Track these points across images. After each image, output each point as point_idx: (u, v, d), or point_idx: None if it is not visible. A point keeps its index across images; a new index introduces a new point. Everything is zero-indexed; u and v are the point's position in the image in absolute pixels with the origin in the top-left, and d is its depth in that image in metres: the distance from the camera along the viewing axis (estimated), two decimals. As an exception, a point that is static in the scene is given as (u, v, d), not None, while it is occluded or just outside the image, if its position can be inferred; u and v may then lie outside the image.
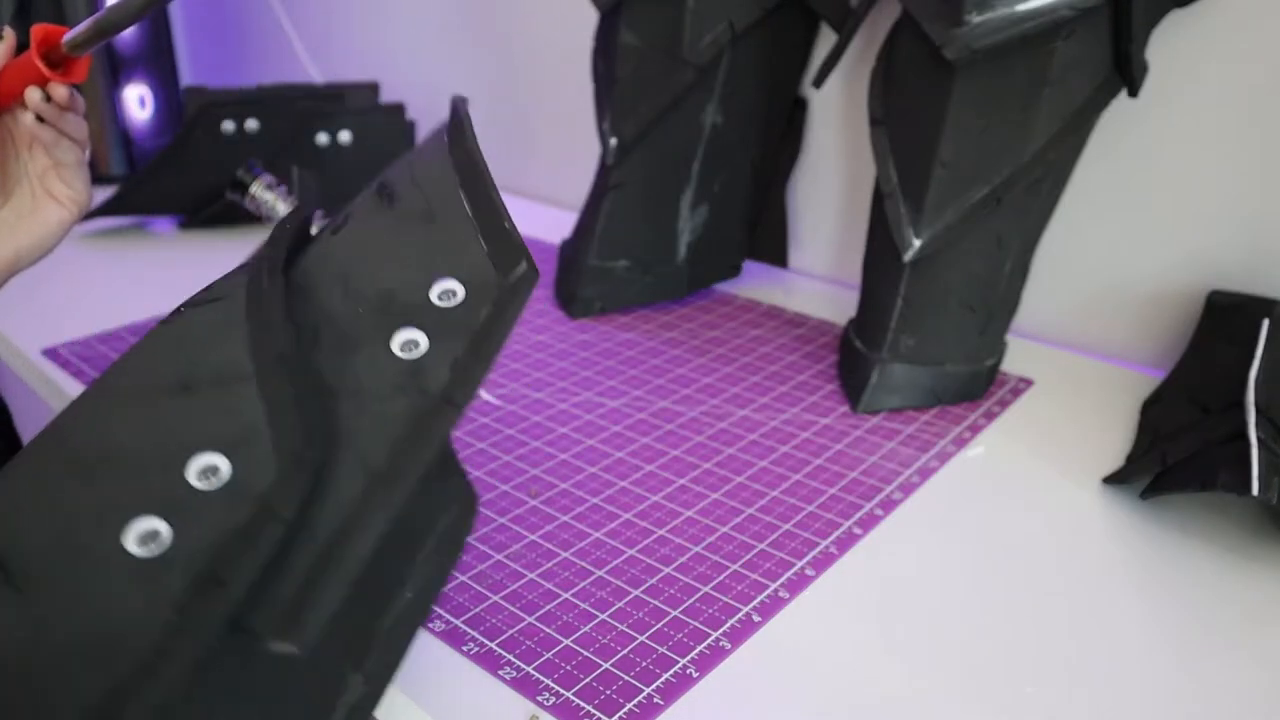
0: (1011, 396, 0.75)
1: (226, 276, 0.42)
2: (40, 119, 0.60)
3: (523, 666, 0.48)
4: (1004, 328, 0.76)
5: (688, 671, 0.47)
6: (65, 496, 0.32)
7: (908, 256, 0.70)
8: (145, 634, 0.29)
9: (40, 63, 0.56)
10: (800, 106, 0.95)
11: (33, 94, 0.58)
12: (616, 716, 0.45)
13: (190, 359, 0.36)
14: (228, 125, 1.12)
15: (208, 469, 0.33)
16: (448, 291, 0.39)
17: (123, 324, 0.88)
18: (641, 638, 0.50)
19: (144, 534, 0.31)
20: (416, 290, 0.39)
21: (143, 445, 0.33)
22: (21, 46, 0.60)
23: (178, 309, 0.40)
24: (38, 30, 0.56)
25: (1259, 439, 0.55)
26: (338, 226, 0.43)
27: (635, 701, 0.45)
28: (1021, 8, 0.63)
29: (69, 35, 0.57)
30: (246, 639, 0.31)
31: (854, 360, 0.75)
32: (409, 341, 0.38)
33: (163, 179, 1.13)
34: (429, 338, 0.38)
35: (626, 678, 0.47)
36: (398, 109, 1.17)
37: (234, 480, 0.33)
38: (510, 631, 0.50)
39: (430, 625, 0.50)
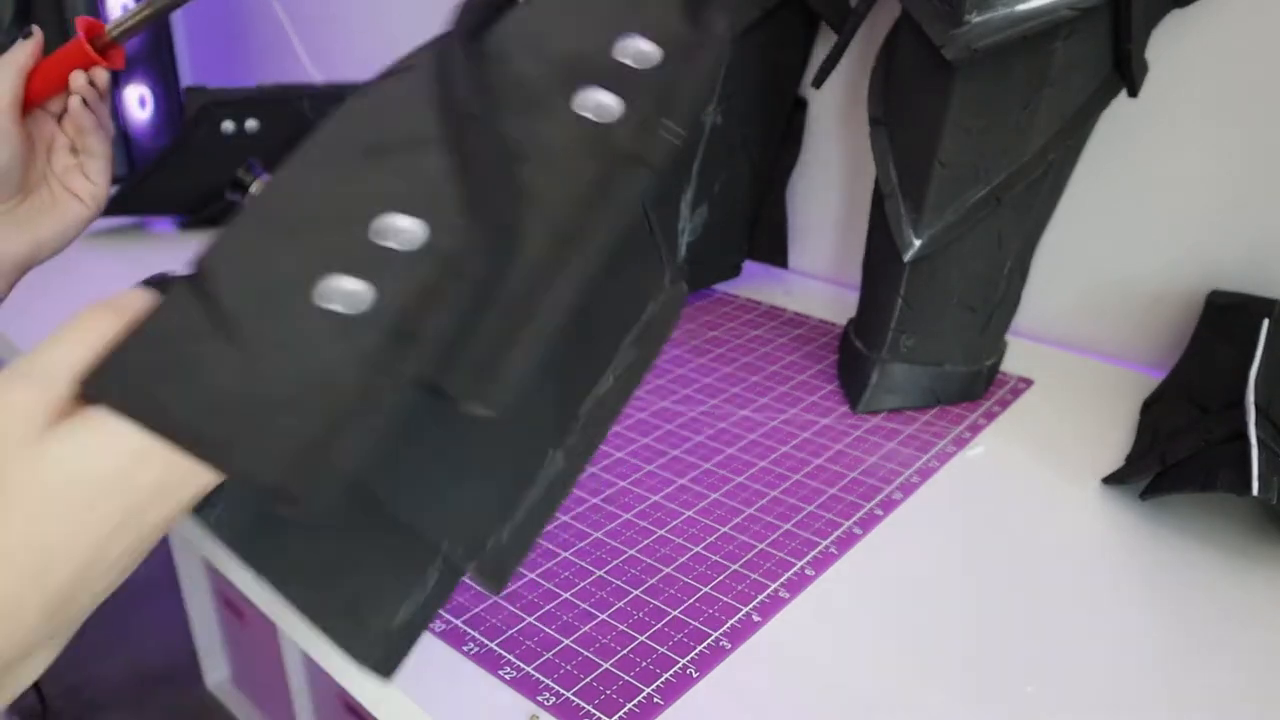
0: (1011, 396, 0.75)
1: (421, 47, 0.39)
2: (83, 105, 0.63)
3: (523, 666, 0.48)
4: (1004, 328, 0.76)
5: (688, 671, 0.47)
6: (267, 255, 0.32)
7: (908, 256, 0.70)
8: (346, 385, 0.30)
9: (89, 48, 0.60)
10: (800, 106, 0.95)
11: (78, 78, 0.61)
12: (616, 716, 0.45)
13: (379, 125, 0.35)
14: (228, 125, 1.12)
15: (397, 229, 0.32)
16: (641, 53, 0.37)
17: (123, 324, 0.88)
18: (641, 638, 0.50)
19: (339, 292, 0.31)
20: (604, 49, 0.37)
21: (334, 206, 0.33)
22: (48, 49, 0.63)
23: (371, 81, 0.38)
24: (83, 21, 0.60)
25: (1259, 439, 0.55)
26: None
27: (635, 701, 0.45)
28: (1021, 8, 0.63)
29: (115, 22, 0.61)
30: (445, 405, 0.31)
31: (854, 360, 0.75)
32: (599, 105, 0.36)
33: (163, 179, 1.13)
34: (622, 101, 0.36)
35: (626, 678, 0.47)
36: (398, 109, 1.17)
37: (425, 242, 0.32)
38: (510, 631, 0.50)
39: (430, 625, 0.50)
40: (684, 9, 0.38)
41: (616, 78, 0.36)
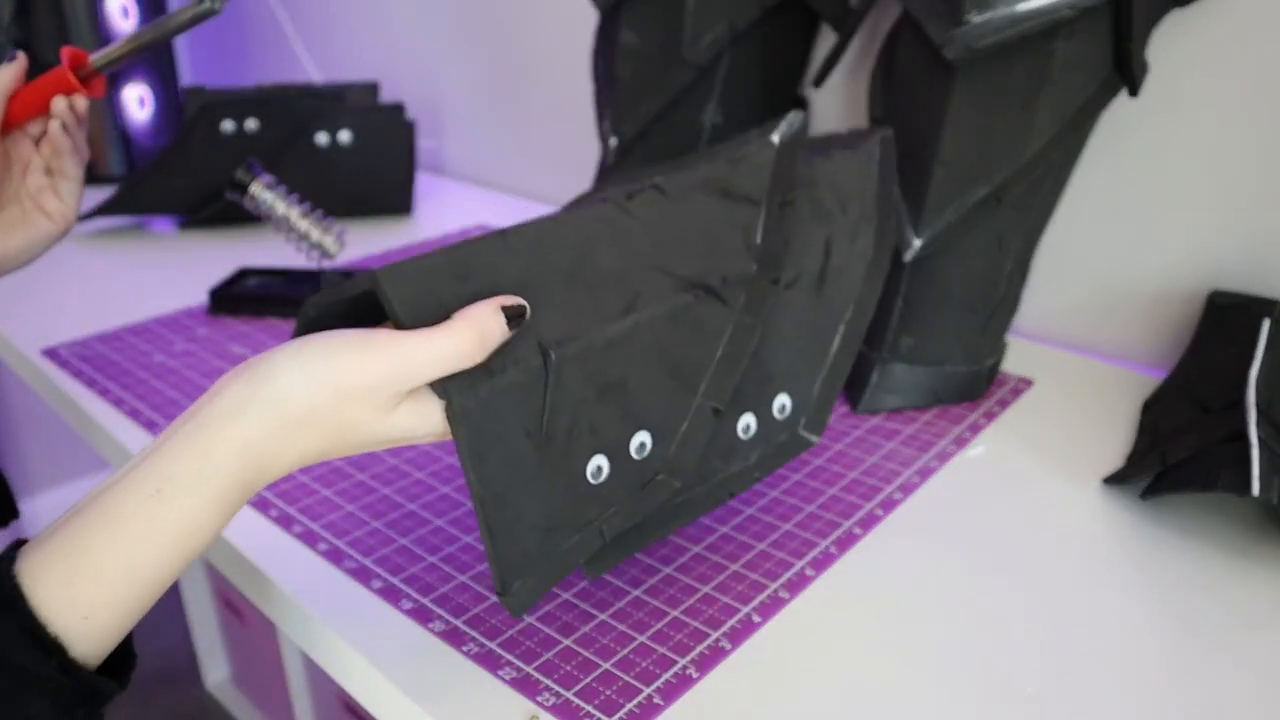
0: (1011, 396, 0.75)
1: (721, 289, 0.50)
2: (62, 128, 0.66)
3: (523, 666, 0.48)
4: (1004, 327, 0.76)
5: (688, 672, 0.47)
6: (587, 412, 0.44)
7: (908, 256, 0.70)
8: (583, 538, 0.45)
9: (72, 77, 0.63)
10: (800, 106, 0.95)
11: (59, 103, 0.64)
12: (616, 717, 0.45)
13: (685, 348, 0.48)
14: (228, 125, 1.12)
15: (643, 444, 0.46)
16: (783, 405, 0.52)
17: (123, 324, 0.88)
18: (641, 638, 0.50)
19: (596, 469, 0.45)
20: (771, 390, 0.52)
21: (634, 399, 0.46)
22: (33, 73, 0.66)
23: (704, 287, 0.49)
24: (68, 51, 0.64)
25: (1259, 439, 0.55)
26: (792, 281, 0.52)
27: (635, 702, 0.45)
28: (1021, 8, 0.63)
29: (99, 54, 0.64)
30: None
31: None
32: (747, 427, 0.51)
33: (163, 179, 1.13)
34: (754, 435, 0.51)
35: (626, 678, 0.47)
36: (398, 109, 1.17)
37: (648, 458, 0.47)
38: (510, 631, 0.50)
39: (430, 625, 0.50)
40: (816, 399, 0.54)
41: (764, 419, 0.52)
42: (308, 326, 0.45)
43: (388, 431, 0.41)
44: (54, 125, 0.65)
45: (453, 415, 0.40)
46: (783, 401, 0.51)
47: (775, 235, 0.50)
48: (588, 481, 0.44)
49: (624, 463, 0.45)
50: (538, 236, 0.45)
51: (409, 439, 0.42)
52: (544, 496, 0.43)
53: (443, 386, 0.40)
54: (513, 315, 0.41)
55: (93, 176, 1.36)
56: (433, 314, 0.41)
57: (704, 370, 0.48)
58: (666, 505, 0.48)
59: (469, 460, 0.40)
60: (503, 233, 0.44)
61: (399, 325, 0.40)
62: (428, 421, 0.41)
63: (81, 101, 0.65)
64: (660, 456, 0.47)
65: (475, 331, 0.40)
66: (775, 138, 0.52)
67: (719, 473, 0.50)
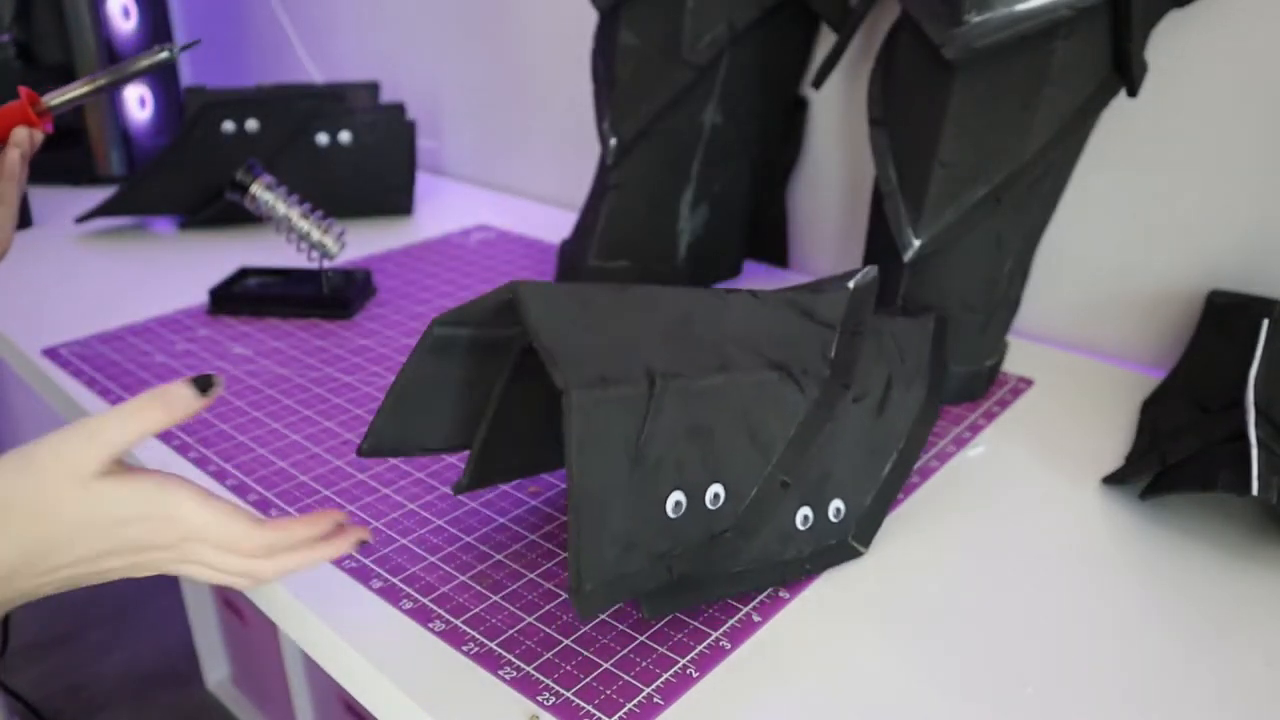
0: (1011, 396, 0.75)
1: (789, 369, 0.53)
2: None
3: (523, 666, 0.48)
4: (1004, 328, 0.76)
5: (688, 671, 0.47)
6: (674, 438, 0.47)
7: (908, 256, 0.70)
8: (652, 567, 0.48)
9: (31, 112, 0.68)
10: (800, 106, 0.95)
11: (20, 132, 0.68)
12: (616, 716, 0.45)
13: (765, 417, 0.52)
14: (228, 125, 1.12)
15: (717, 495, 0.50)
16: (839, 509, 0.56)
17: (123, 324, 0.88)
18: (641, 638, 0.50)
19: (675, 504, 0.48)
20: (829, 490, 0.55)
21: (717, 449, 0.49)
22: None
23: (788, 372, 0.53)
24: (24, 90, 0.68)
25: (1259, 439, 0.55)
26: (858, 397, 0.57)
27: (635, 701, 0.45)
28: (1021, 7, 0.63)
29: (55, 94, 0.69)
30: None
31: (854, 360, 0.75)
32: (806, 518, 0.54)
33: (163, 179, 1.13)
34: (810, 528, 0.54)
35: (626, 678, 0.47)
36: (398, 109, 1.17)
37: (720, 510, 0.50)
38: (510, 631, 0.50)
39: (430, 625, 0.50)
40: (866, 512, 0.58)
41: (820, 516, 0.55)
42: (434, 344, 0.50)
43: (93, 507, 0.41)
44: (14, 153, 0.67)
45: (568, 404, 0.43)
46: (838, 505, 0.56)
47: (847, 354, 0.56)
48: (666, 514, 0.48)
49: (699, 506, 0.49)
50: (648, 295, 0.51)
51: (127, 531, 0.42)
52: (628, 512, 0.46)
53: (564, 378, 0.43)
54: (202, 385, 0.44)
55: (93, 176, 1.36)
56: (560, 329, 0.45)
57: (777, 443, 0.52)
58: (727, 570, 0.51)
59: (575, 450, 0.43)
60: (621, 285, 0.51)
61: (531, 331, 0.45)
62: (144, 502, 0.42)
63: (39, 135, 0.69)
64: (730, 513, 0.51)
65: (158, 398, 0.43)
66: (851, 284, 0.58)
67: (775, 555, 0.53)
